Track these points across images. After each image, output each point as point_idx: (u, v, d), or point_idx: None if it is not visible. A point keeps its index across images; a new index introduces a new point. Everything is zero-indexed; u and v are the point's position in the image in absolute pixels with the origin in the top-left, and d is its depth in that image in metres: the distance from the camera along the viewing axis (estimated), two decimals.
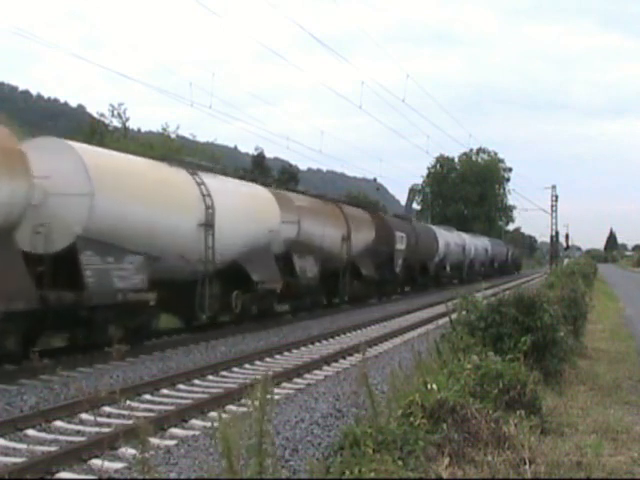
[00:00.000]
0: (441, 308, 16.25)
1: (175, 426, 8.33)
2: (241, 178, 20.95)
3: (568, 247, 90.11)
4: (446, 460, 4.70)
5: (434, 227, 42.73)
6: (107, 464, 6.66)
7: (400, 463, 4.32)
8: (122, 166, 14.12)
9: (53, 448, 7.27)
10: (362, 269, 26.49)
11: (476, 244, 51.61)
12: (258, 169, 45.74)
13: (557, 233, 68.45)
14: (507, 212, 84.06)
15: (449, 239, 42.57)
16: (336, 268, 24.22)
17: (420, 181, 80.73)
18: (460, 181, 78.60)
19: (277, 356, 13.99)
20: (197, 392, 10.49)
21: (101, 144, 23.70)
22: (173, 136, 41.69)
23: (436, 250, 38.50)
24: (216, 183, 16.66)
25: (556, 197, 64.76)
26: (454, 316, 9.73)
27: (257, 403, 3.62)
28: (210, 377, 11.64)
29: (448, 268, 42.43)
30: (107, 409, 9.01)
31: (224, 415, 6.10)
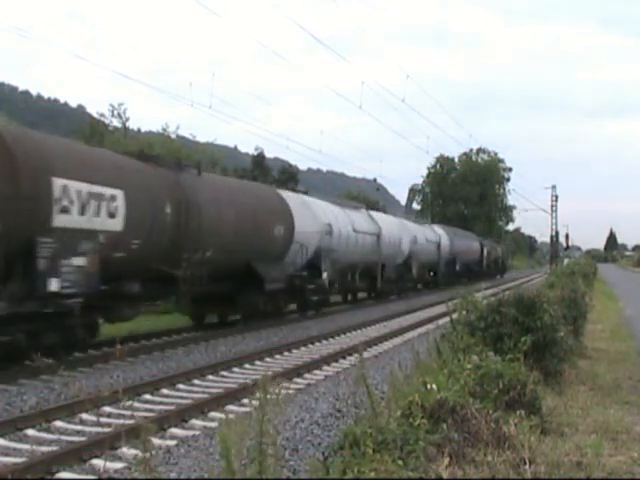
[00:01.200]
0: (441, 308, 16.25)
1: (175, 426, 8.33)
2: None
3: (568, 247, 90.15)
4: (446, 460, 4.70)
5: (287, 193, 21.67)
6: (107, 464, 6.67)
7: (400, 463, 4.32)
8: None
9: (53, 448, 7.27)
10: None
11: (416, 234, 33.63)
12: (258, 169, 45.71)
13: (557, 233, 68.50)
14: (507, 212, 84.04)
15: (335, 221, 23.10)
16: None
17: (420, 181, 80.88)
18: (460, 181, 78.61)
19: (277, 356, 13.99)
20: (197, 392, 10.49)
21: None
22: (173, 136, 41.66)
23: (287, 240, 19.39)
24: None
25: (556, 197, 64.82)
26: (454, 316, 9.73)
27: (258, 403, 3.62)
28: (210, 377, 11.64)
29: (325, 275, 21.90)
30: (107, 409, 9.01)
31: (224, 416, 6.11)
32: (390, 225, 29.89)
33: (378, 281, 28.29)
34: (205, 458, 6.85)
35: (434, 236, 39.01)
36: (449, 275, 41.26)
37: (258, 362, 13.19)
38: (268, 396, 3.64)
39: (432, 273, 39.54)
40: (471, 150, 79.15)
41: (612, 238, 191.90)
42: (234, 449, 3.39)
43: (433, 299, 27.50)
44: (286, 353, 14.39)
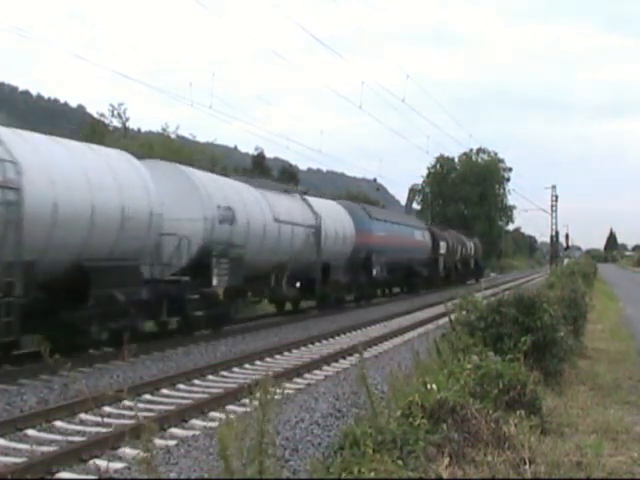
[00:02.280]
0: (441, 308, 16.26)
1: (175, 426, 8.33)
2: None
3: (568, 247, 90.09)
4: (446, 460, 4.70)
5: None
6: (106, 464, 6.66)
7: (400, 463, 4.32)
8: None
9: (53, 448, 7.27)
10: None
11: (234, 205, 17.19)
12: (258, 169, 45.75)
13: (557, 233, 68.33)
14: (507, 212, 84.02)
15: None
16: None
17: (420, 181, 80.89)
18: (460, 181, 78.62)
19: (277, 356, 13.99)
20: (197, 392, 10.49)
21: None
22: (173, 136, 41.70)
23: None
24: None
25: (556, 197, 64.69)
26: (454, 316, 9.72)
27: (258, 403, 3.62)
28: (210, 377, 11.64)
29: None
30: (107, 409, 9.02)
31: (223, 416, 6.10)
32: (123, 178, 13.38)
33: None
34: (205, 458, 6.84)
35: (304, 214, 21.07)
36: (356, 286, 25.42)
37: (258, 362, 13.19)
38: (268, 396, 3.64)
39: (298, 283, 21.36)
40: (471, 150, 79.19)
41: (612, 238, 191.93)
42: (234, 449, 3.39)
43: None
44: (286, 353, 14.39)
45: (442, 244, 38.16)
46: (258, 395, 3.60)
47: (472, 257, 48.08)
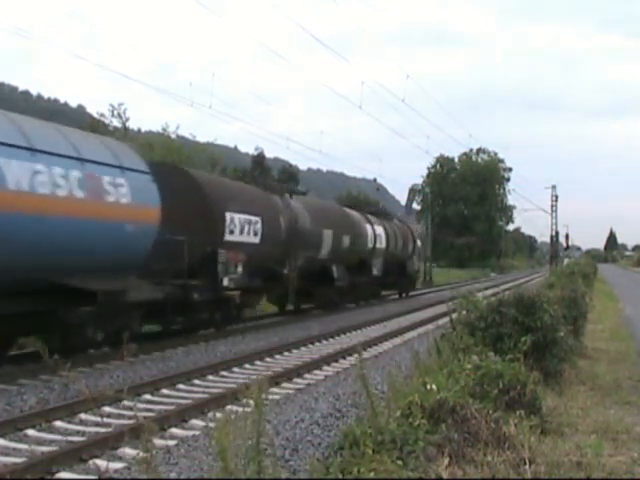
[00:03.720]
0: (441, 308, 16.26)
1: (175, 426, 8.32)
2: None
3: (568, 247, 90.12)
4: (446, 460, 4.70)
5: None
6: (107, 464, 6.66)
7: (400, 463, 4.32)
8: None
9: (53, 448, 7.27)
10: None
11: None
12: (258, 169, 45.76)
13: (557, 233, 68.24)
14: (507, 212, 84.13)
15: None
16: None
17: (420, 181, 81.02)
18: (460, 181, 78.81)
19: (277, 356, 13.98)
20: (197, 392, 10.49)
21: None
22: (173, 136, 41.70)
23: None
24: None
25: (556, 197, 64.65)
26: (454, 316, 9.72)
27: (254, 403, 3.62)
28: (210, 377, 11.64)
29: None
30: (107, 409, 9.01)
31: (221, 416, 6.10)
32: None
33: None
34: (205, 458, 6.84)
35: None
36: None
37: (258, 362, 13.18)
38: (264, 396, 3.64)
39: None
40: (471, 150, 79.41)
41: (612, 238, 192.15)
42: (232, 449, 3.39)
43: None
44: (286, 353, 14.38)
45: (232, 218, 16.78)
46: (252, 396, 3.60)
47: (380, 255, 26.82)
